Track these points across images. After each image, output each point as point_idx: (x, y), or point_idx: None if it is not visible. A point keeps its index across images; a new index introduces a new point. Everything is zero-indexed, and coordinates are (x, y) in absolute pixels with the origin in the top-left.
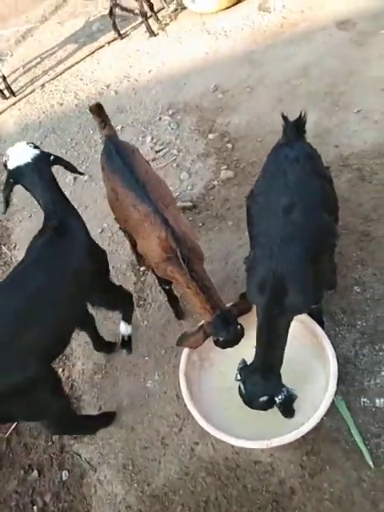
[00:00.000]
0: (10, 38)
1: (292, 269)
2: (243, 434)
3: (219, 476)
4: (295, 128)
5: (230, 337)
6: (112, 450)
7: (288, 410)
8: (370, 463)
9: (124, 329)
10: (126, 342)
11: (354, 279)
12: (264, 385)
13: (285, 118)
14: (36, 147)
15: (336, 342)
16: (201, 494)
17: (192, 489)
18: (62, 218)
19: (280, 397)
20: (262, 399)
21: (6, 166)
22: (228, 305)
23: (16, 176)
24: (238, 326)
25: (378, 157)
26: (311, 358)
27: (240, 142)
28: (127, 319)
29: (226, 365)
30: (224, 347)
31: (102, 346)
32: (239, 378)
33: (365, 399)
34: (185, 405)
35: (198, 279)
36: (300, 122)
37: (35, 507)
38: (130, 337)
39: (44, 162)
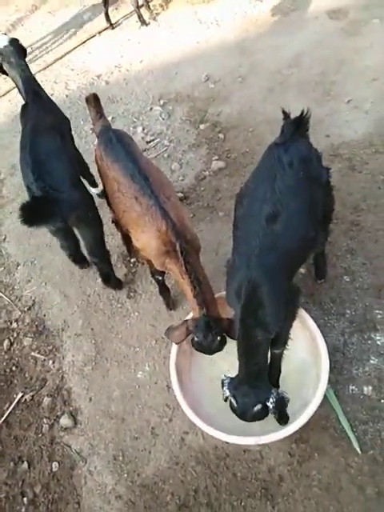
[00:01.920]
0: None
1: (268, 281)
2: (233, 423)
3: (209, 465)
4: (294, 127)
5: (206, 342)
6: (102, 441)
7: (282, 413)
8: (358, 449)
9: (94, 190)
10: (100, 195)
11: (344, 268)
12: (254, 393)
13: (285, 114)
14: (5, 34)
15: (325, 331)
16: (191, 483)
17: (182, 478)
18: (38, 89)
19: (271, 400)
20: (256, 408)
21: None
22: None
23: None
24: (219, 338)
25: (368, 146)
26: (303, 351)
27: (231, 132)
28: (93, 185)
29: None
30: (198, 349)
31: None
32: (227, 393)
33: (353, 387)
34: (175, 395)
35: (191, 272)
36: (301, 121)
37: (25, 499)
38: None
39: (17, 44)
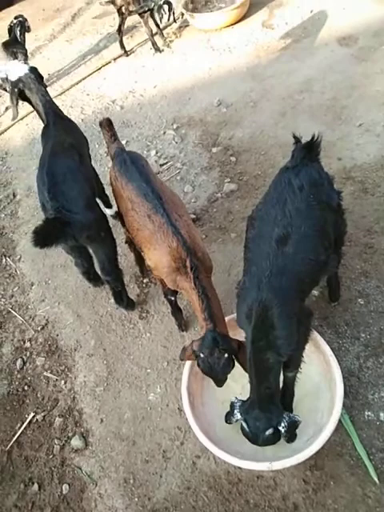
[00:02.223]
0: None
1: (279, 302)
2: (245, 447)
3: (221, 491)
4: (304, 151)
5: (212, 360)
6: (113, 464)
7: (291, 435)
8: (375, 478)
9: (109, 211)
10: (114, 216)
11: (358, 291)
12: (266, 417)
13: (296, 138)
14: (25, 62)
15: (340, 354)
16: (202, 509)
17: (193, 504)
18: (58, 111)
19: (283, 424)
20: (268, 432)
21: (6, 79)
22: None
23: (19, 85)
24: (226, 355)
25: (380, 169)
26: (317, 375)
27: (243, 156)
28: (108, 206)
29: (229, 374)
30: (204, 370)
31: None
32: (238, 416)
33: (369, 413)
34: (187, 418)
35: (200, 288)
36: (312, 145)
37: None
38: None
39: (36, 72)
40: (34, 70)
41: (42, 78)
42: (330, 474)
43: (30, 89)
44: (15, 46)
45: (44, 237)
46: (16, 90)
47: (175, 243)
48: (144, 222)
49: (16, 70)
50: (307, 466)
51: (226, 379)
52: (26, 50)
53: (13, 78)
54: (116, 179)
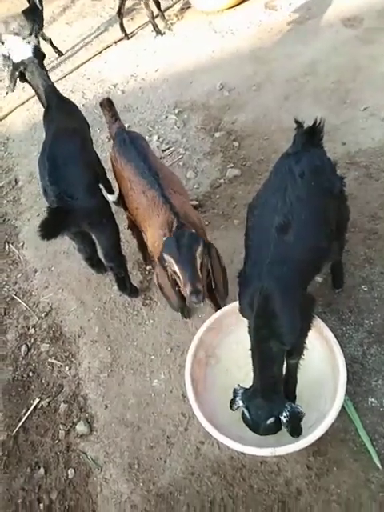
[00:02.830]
0: None
1: (280, 291)
2: (248, 432)
3: (225, 476)
4: (306, 137)
5: (177, 232)
6: (118, 449)
7: (295, 428)
8: (378, 464)
9: (111, 197)
10: (116, 202)
11: (362, 278)
12: (268, 406)
13: (298, 123)
14: (28, 42)
15: (343, 341)
16: (206, 494)
17: (197, 489)
18: (59, 95)
19: (285, 414)
20: (269, 421)
21: (8, 58)
22: None
23: (20, 67)
24: (193, 230)
25: None
26: (320, 361)
27: (246, 140)
28: (110, 192)
29: (232, 361)
30: (167, 251)
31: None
32: (240, 404)
33: (372, 399)
34: (190, 404)
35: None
36: (313, 131)
37: (41, 505)
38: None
39: (40, 54)
40: (37, 52)
41: (43, 57)
42: (333, 460)
43: (32, 72)
44: (34, 14)
45: (50, 229)
46: (17, 72)
47: (163, 210)
48: (140, 198)
49: (19, 51)
50: (310, 451)
51: (201, 277)
52: (43, 22)
53: (16, 59)
54: (116, 160)
